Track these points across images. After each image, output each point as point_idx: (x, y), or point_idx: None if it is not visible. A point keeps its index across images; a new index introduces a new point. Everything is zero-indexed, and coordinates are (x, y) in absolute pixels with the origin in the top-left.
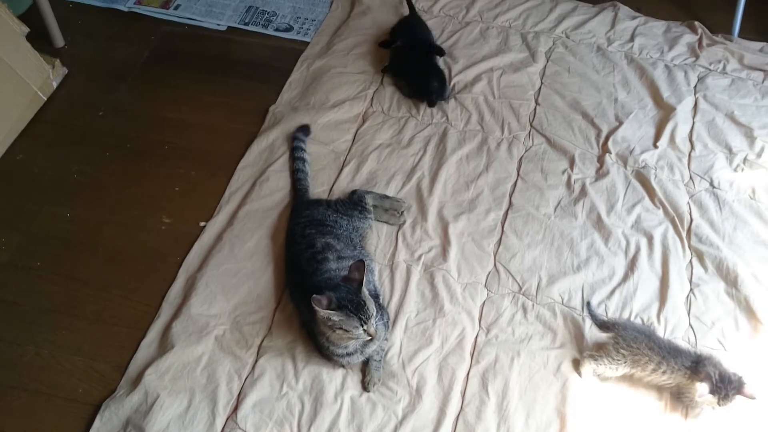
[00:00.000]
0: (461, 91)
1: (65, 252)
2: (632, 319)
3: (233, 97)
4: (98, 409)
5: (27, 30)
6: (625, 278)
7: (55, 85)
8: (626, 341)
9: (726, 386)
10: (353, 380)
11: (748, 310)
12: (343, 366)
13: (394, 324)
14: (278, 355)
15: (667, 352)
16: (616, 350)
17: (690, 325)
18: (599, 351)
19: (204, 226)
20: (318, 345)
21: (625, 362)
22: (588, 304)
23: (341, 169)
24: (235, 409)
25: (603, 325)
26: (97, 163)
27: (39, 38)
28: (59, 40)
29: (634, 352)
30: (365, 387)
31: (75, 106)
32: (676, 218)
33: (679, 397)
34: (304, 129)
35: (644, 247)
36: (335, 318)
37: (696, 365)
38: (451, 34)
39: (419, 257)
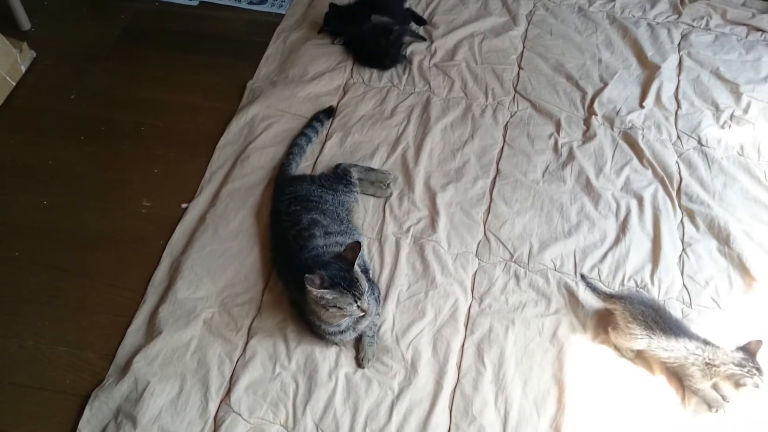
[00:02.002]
0: (443, 59)
1: (44, 241)
2: (626, 282)
3: (209, 74)
4: (87, 400)
5: None
6: (617, 241)
7: (23, 69)
8: (632, 314)
9: (749, 363)
10: (347, 357)
11: (742, 268)
12: (335, 343)
13: (385, 298)
14: (269, 336)
15: (673, 331)
16: (624, 323)
17: (684, 285)
18: (614, 323)
19: (186, 208)
20: (309, 324)
21: (641, 335)
22: (582, 276)
23: (324, 143)
24: (228, 392)
25: (608, 297)
26: (72, 149)
27: (3, 21)
28: (25, 23)
29: (641, 325)
30: (359, 363)
31: (45, 90)
32: (665, 178)
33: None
34: (328, 111)
35: (635, 209)
36: (329, 296)
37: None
38: (430, 1)
39: (408, 229)
